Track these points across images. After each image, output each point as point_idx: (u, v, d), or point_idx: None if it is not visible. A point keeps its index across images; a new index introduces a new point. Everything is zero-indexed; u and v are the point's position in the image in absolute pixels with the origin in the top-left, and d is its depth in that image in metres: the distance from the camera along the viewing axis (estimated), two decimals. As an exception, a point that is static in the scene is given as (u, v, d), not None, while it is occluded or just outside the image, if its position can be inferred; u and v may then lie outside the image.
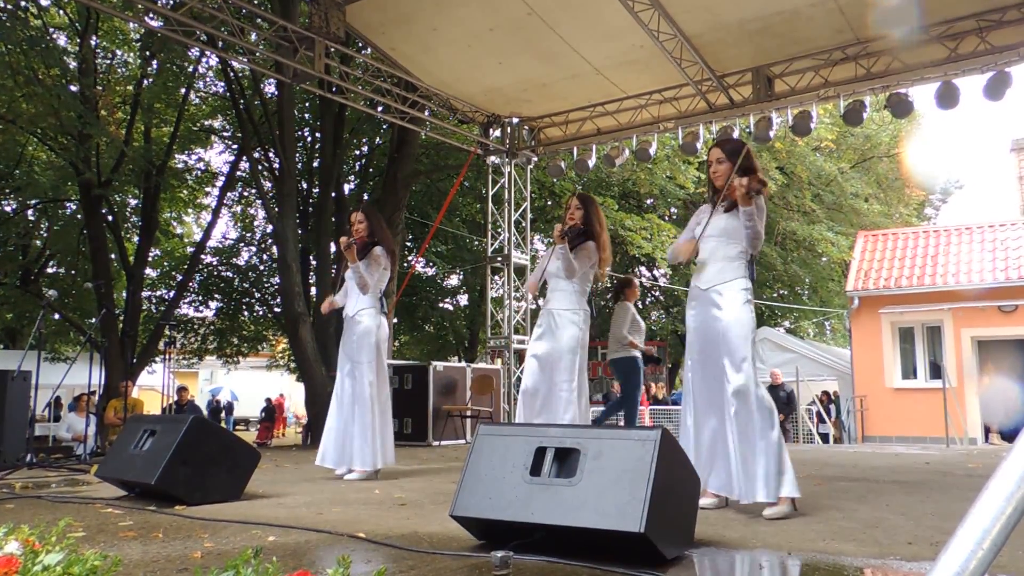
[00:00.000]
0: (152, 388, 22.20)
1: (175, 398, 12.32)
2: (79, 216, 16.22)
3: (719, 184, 3.73)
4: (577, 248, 4.81)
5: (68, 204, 17.39)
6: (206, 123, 17.87)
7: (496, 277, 12.83)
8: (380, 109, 10.21)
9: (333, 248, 13.01)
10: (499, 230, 11.24)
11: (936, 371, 13.91)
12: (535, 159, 11.39)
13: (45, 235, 18.43)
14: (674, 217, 21.77)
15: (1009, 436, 13.33)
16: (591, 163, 10.60)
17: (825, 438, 15.12)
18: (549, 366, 4.74)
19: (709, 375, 3.63)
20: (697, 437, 3.66)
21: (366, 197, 16.64)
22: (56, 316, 16.54)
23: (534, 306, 11.22)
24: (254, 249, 19.83)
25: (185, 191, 18.64)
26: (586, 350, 4.83)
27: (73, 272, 18.36)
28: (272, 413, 23.58)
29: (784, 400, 12.19)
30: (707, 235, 3.72)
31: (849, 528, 3.09)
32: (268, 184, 15.16)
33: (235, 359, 20.88)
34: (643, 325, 7.84)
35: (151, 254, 17.55)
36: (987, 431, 13.53)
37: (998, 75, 7.78)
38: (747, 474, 3.41)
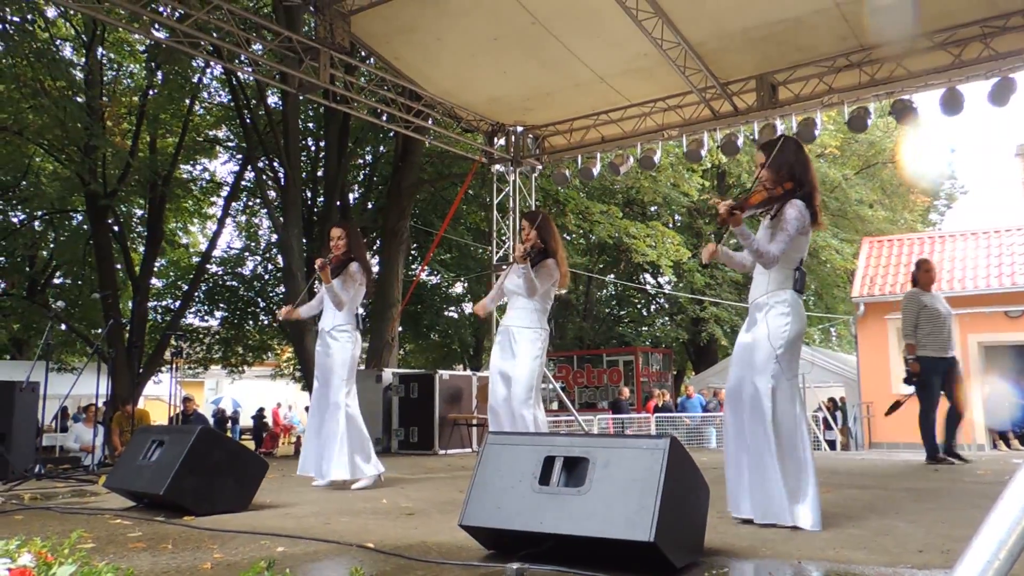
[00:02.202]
0: (158, 398, 22.23)
1: (181, 408, 12.32)
2: (85, 227, 16.30)
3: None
4: (538, 266, 4.84)
5: (74, 215, 17.48)
6: (211, 133, 17.95)
7: (501, 285, 12.81)
8: (384, 118, 10.23)
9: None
10: (504, 238, 11.24)
11: (943, 377, 13.80)
12: (539, 167, 11.39)
13: (52, 246, 18.51)
14: (678, 224, 21.78)
15: (1020, 437, 13.26)
16: (595, 171, 10.60)
17: (832, 445, 15.05)
18: (509, 385, 4.83)
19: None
20: None
21: (370, 207, 16.73)
22: (63, 327, 16.60)
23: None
24: (259, 258, 19.91)
25: (190, 201, 18.72)
26: (543, 367, 4.95)
27: (79, 283, 18.42)
28: (262, 423, 23.41)
29: None
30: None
31: (859, 536, 3.08)
32: (273, 194, 15.21)
33: (240, 368, 20.91)
34: (945, 311, 6.94)
35: (157, 264, 17.62)
36: (994, 442, 13.46)
37: (1003, 81, 7.76)
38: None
